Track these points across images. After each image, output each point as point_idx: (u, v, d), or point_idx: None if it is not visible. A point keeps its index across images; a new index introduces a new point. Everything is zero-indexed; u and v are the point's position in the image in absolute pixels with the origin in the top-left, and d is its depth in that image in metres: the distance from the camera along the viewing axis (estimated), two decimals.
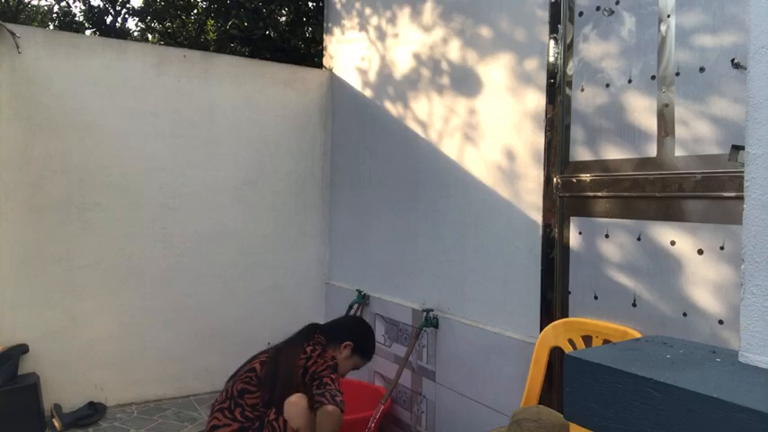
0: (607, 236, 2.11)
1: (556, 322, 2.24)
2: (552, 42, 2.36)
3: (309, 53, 6.04)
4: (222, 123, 3.92)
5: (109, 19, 6.89)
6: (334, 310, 3.95)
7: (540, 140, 2.43)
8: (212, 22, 7.14)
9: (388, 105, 3.58)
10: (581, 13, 2.25)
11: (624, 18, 2.07)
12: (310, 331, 2.50)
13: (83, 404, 3.43)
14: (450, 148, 3.01)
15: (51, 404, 3.34)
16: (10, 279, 3.31)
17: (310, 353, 2.32)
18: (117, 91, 3.58)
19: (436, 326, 2.99)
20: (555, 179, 2.33)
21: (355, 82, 4.00)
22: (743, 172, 0.98)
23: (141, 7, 7.23)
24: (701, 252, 1.81)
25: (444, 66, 3.09)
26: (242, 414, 2.17)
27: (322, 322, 2.98)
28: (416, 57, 3.32)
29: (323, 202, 4.32)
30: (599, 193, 2.14)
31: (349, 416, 2.95)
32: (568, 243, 2.26)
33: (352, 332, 2.53)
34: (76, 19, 7.41)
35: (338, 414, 2.17)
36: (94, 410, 3.37)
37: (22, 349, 3.25)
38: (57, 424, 3.18)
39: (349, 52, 4.10)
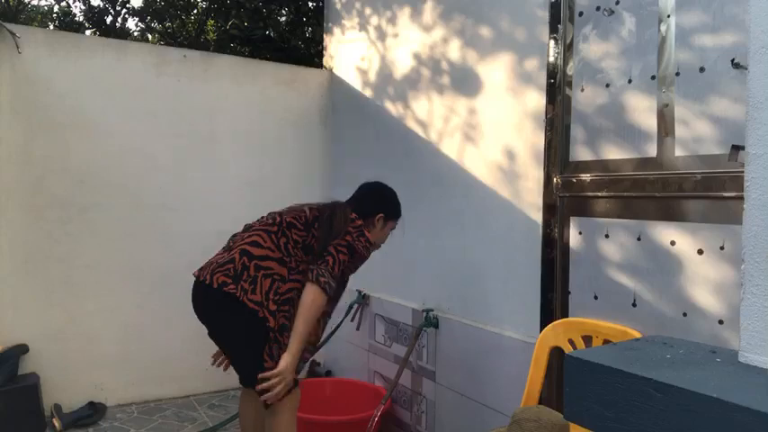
0: (607, 236, 2.11)
1: (556, 322, 2.24)
2: (552, 42, 2.36)
3: (309, 53, 6.04)
4: (222, 123, 3.92)
5: (109, 19, 6.90)
6: (334, 310, 3.93)
7: (540, 140, 2.43)
8: (212, 22, 7.15)
9: (388, 105, 3.58)
10: (581, 13, 2.25)
11: (624, 18, 2.07)
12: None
13: (83, 404, 3.43)
14: (451, 148, 3.01)
15: (51, 404, 3.34)
16: (10, 279, 3.31)
17: (355, 219, 2.28)
18: (117, 91, 3.57)
19: (436, 326, 2.99)
20: (555, 179, 2.33)
21: (355, 82, 4.00)
22: (743, 172, 0.98)
23: (141, 7, 7.24)
24: (701, 252, 1.81)
25: (444, 66, 3.09)
26: (285, 246, 2.18)
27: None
28: (416, 57, 3.32)
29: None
30: (599, 193, 2.14)
31: (349, 416, 2.96)
32: (568, 243, 2.26)
33: (379, 202, 2.49)
34: (76, 19, 7.43)
35: (315, 292, 2.11)
36: (94, 410, 3.37)
37: (22, 349, 3.25)
38: (57, 424, 3.18)
39: (349, 52, 4.09)
